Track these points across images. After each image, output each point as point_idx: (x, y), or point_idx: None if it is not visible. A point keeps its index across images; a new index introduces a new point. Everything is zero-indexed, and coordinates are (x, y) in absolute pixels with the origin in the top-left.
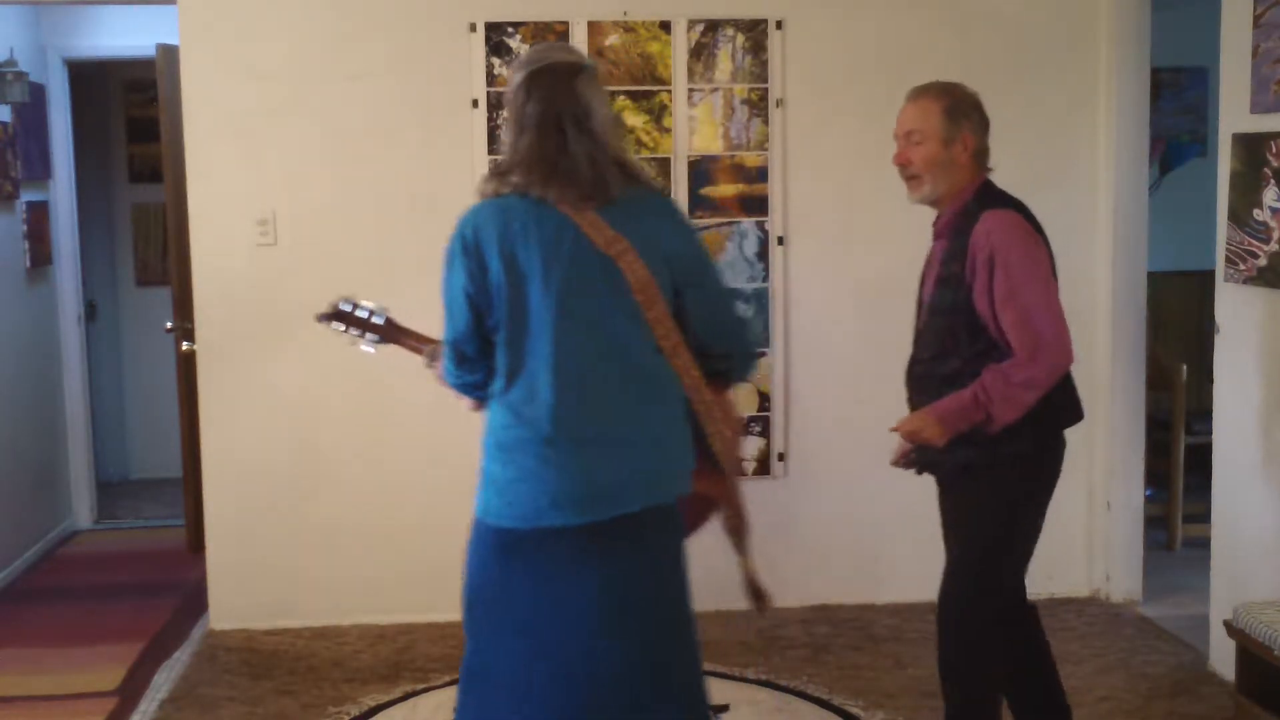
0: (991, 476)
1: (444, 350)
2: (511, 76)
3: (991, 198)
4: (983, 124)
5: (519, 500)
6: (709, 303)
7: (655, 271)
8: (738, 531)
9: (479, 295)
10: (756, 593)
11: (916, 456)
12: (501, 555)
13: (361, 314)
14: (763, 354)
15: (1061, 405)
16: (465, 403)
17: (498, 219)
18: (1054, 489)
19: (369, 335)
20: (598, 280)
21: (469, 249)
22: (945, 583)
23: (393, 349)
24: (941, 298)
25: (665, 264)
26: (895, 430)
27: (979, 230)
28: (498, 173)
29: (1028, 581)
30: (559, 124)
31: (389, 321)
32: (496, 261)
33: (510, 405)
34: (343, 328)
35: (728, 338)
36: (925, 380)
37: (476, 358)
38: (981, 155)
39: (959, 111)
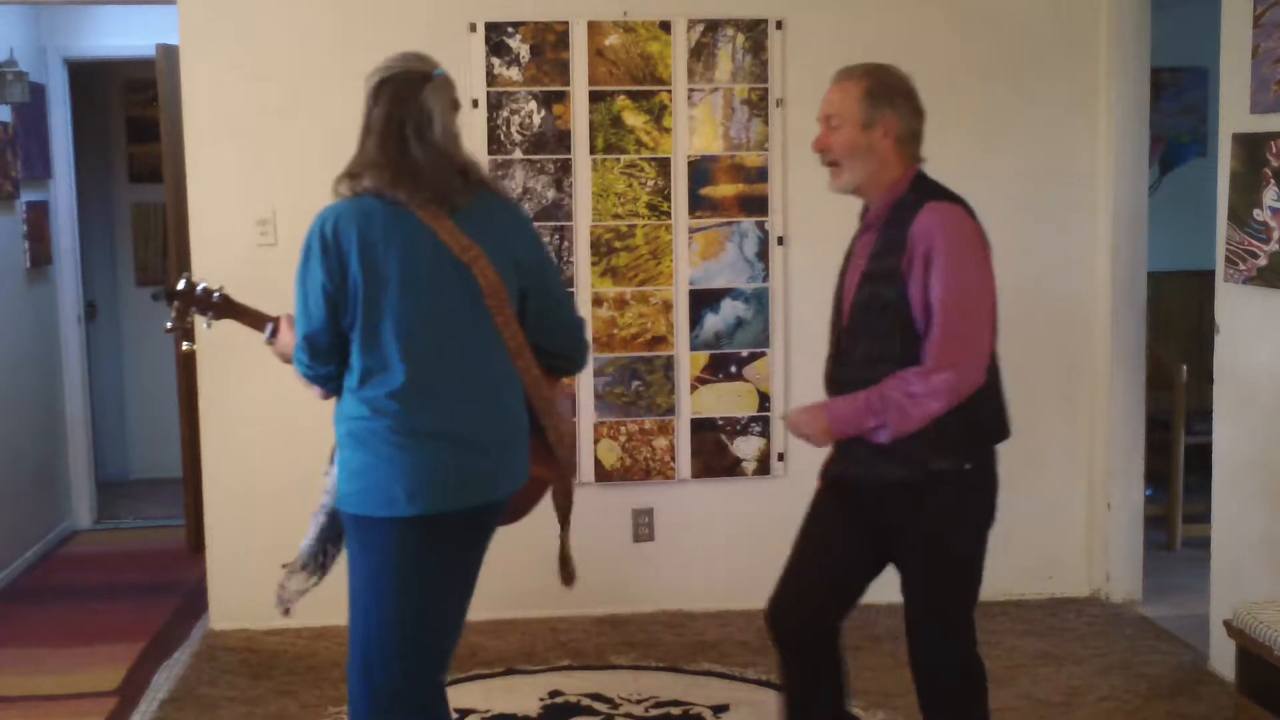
0: (942, 503)
1: (297, 343)
2: (366, 81)
3: (931, 189)
4: (912, 110)
5: (374, 488)
6: (552, 306)
7: (505, 277)
8: (564, 509)
9: (337, 294)
10: (566, 566)
11: (835, 471)
12: (353, 540)
13: (199, 292)
14: (762, 354)
15: (991, 416)
16: (314, 391)
17: (357, 220)
18: (996, 510)
19: (209, 313)
20: (453, 285)
21: (329, 248)
22: (938, 650)
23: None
24: (873, 294)
25: (514, 269)
26: (783, 420)
27: (922, 222)
28: (349, 174)
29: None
30: (401, 130)
31: (224, 298)
32: (356, 263)
33: (366, 400)
34: (179, 304)
35: (567, 337)
36: (854, 386)
37: (329, 351)
38: (907, 142)
39: (881, 95)
